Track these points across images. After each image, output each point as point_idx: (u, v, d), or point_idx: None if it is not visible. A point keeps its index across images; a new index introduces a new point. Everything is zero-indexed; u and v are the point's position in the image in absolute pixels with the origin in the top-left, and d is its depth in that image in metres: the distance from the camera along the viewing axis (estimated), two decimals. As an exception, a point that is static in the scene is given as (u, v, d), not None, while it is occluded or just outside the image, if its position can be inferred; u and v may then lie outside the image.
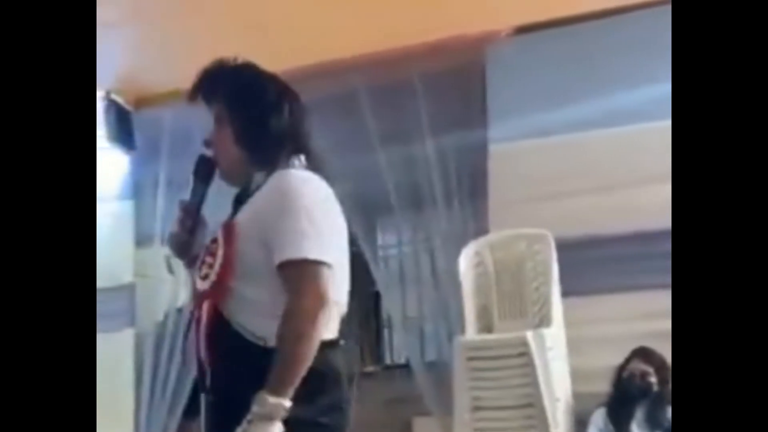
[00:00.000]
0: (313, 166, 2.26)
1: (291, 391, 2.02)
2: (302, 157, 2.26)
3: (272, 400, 2.00)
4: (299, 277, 2.08)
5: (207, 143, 2.29)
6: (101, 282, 5.28)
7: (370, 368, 5.20)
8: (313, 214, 2.12)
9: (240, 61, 2.28)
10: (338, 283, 2.17)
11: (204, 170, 2.31)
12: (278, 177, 2.19)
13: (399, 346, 5.24)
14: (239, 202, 2.26)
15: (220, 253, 2.16)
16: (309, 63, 4.38)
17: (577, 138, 4.38)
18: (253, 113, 2.24)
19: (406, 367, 4.84)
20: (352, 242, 4.55)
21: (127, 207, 5.34)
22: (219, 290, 2.15)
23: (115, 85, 5.08)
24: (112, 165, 5.34)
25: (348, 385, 2.19)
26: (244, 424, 2.00)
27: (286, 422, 2.01)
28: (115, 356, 5.18)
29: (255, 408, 2.00)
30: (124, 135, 5.26)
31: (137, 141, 5.31)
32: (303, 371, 2.04)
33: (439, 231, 4.60)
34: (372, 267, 4.78)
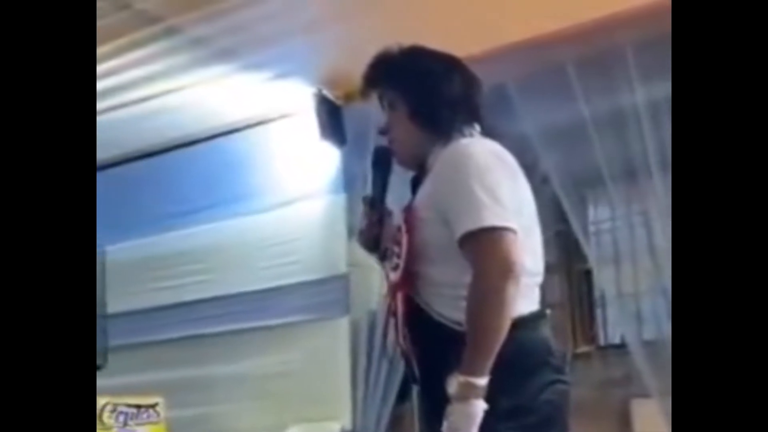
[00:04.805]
0: (489, 134, 2.12)
1: (485, 370, 1.83)
2: (477, 127, 2.12)
3: (462, 379, 1.83)
4: (480, 248, 1.88)
5: (382, 131, 2.20)
6: (318, 273, 5.29)
7: (583, 349, 4.82)
8: (487, 179, 1.93)
9: (404, 46, 2.19)
10: (529, 250, 1.96)
11: (381, 160, 2.20)
12: (449, 150, 2.05)
13: (614, 325, 4.81)
14: (416, 184, 2.13)
15: (404, 240, 2.00)
16: (514, 40, 4.14)
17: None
18: (424, 85, 2.13)
19: (622, 347, 4.43)
20: (562, 218, 4.25)
21: (340, 200, 5.22)
22: (409, 279, 2.00)
23: (326, 81, 5.02)
24: (324, 160, 5.28)
25: (562, 359, 1.99)
26: (449, 408, 1.85)
27: (502, 409, 1.84)
28: (333, 344, 5.14)
29: (449, 390, 1.85)
30: (334, 130, 5.17)
31: (347, 135, 5.18)
32: (495, 348, 1.84)
33: (655, 203, 4.14)
34: (583, 243, 4.40)
